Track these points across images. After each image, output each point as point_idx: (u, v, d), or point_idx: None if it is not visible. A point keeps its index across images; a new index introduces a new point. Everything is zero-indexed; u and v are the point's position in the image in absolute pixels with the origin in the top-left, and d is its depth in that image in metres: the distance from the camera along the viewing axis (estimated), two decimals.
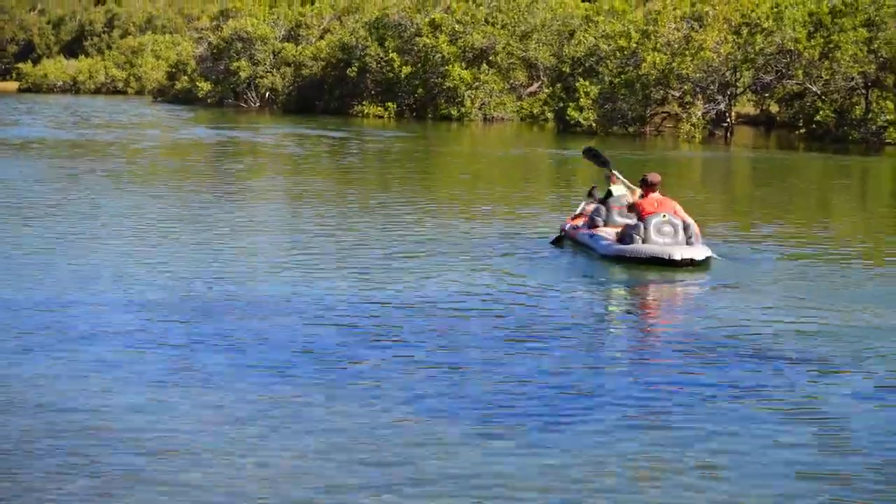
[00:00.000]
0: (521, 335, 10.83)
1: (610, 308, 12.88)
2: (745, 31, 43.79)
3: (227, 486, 7.02)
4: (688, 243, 14.73)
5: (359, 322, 11.25)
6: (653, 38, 45.59)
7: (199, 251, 15.52)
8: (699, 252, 14.54)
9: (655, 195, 15.31)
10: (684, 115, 45.08)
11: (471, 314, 11.69)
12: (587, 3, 59.51)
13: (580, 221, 16.41)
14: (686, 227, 14.86)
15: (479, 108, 57.05)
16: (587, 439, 7.86)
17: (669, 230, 14.79)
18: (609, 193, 16.32)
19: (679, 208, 15.30)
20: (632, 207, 15.48)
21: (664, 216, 14.88)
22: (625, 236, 14.99)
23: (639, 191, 15.82)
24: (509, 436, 7.91)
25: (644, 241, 14.74)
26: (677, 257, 14.39)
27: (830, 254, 15.91)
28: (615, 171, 16.76)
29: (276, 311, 11.71)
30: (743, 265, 14.75)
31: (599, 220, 15.98)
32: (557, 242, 16.22)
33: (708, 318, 11.71)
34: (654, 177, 15.58)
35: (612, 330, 11.60)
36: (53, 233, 16.97)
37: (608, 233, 15.52)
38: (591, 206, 16.56)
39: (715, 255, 14.78)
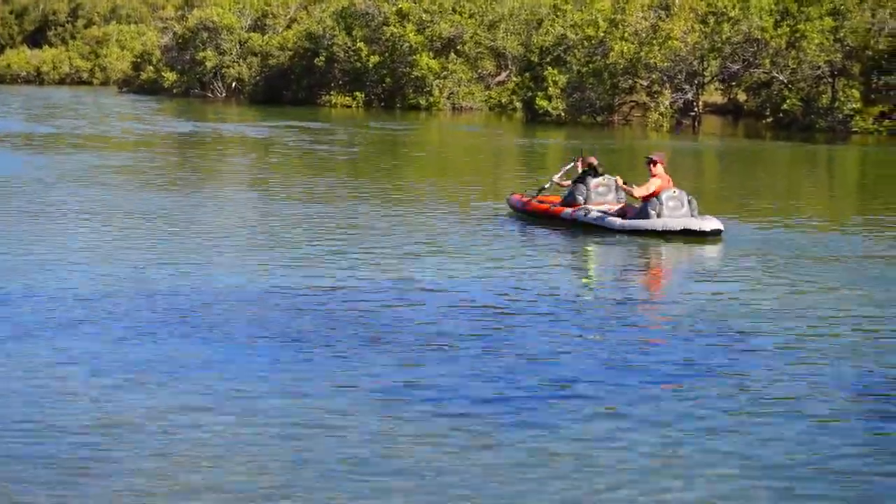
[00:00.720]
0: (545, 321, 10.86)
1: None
2: (711, 20, 43.97)
3: (210, 481, 7.02)
4: (691, 216, 16.10)
5: (350, 314, 11.24)
6: (620, 27, 45.70)
7: (172, 243, 15.48)
8: (719, 223, 15.97)
9: (661, 172, 16.46)
10: (652, 105, 45.21)
11: (475, 300, 11.71)
12: None
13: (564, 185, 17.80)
14: (690, 201, 16.21)
15: (448, 98, 57.03)
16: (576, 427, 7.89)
17: (677, 204, 16.09)
18: (585, 173, 17.48)
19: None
20: (647, 187, 16.45)
21: (674, 191, 16.18)
22: (638, 212, 16.26)
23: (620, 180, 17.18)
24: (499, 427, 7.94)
25: (659, 216, 16.01)
26: (707, 228, 15.79)
27: (798, 237, 16.05)
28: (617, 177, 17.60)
29: (247, 303, 11.70)
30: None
31: (580, 198, 17.22)
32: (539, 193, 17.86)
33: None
34: (658, 155, 16.96)
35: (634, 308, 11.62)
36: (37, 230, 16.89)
37: (609, 211, 16.75)
38: (564, 182, 17.84)
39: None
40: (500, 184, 24.65)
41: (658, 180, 16.40)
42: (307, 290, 12.27)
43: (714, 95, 51.69)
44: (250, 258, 14.44)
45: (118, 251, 14.81)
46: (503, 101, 55.61)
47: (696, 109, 45.71)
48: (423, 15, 57.68)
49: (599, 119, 46.18)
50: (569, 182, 17.83)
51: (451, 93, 57.13)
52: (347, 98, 60.14)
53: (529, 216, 17.84)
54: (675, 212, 16.07)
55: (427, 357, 9.70)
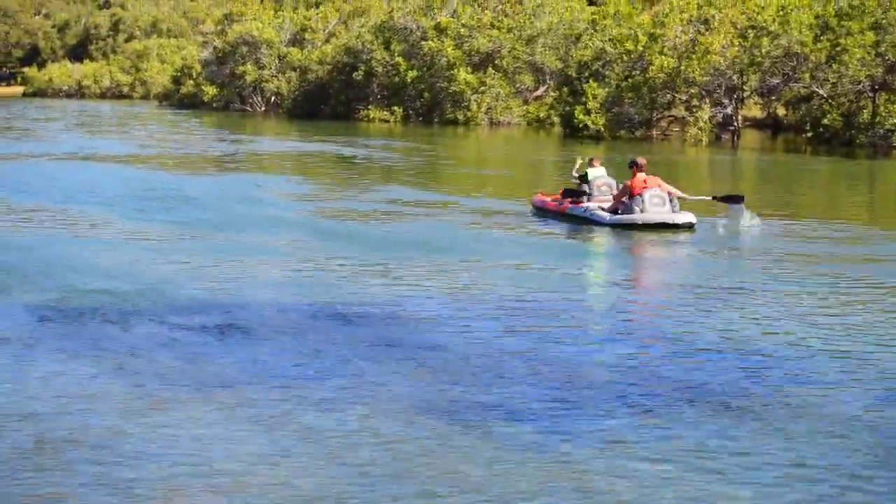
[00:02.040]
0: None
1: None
2: (751, 34, 43.77)
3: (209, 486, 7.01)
4: (673, 211, 18.52)
5: (374, 323, 11.24)
6: (659, 41, 45.58)
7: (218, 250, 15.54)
8: (692, 217, 18.37)
9: (643, 174, 18.74)
10: (691, 119, 45.04)
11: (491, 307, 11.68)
12: (593, 7, 59.43)
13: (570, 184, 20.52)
14: (671, 199, 18.61)
15: (486, 113, 57.03)
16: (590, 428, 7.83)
17: (659, 201, 18.55)
18: (586, 174, 20.07)
19: (662, 182, 18.89)
20: (624, 187, 18.91)
21: (655, 190, 18.58)
22: (625, 209, 18.59)
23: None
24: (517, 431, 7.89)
25: (642, 212, 18.42)
26: (680, 221, 18.28)
27: (833, 248, 15.92)
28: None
29: (273, 308, 11.72)
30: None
31: (584, 197, 19.77)
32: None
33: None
34: (641, 159, 19.12)
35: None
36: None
37: (599, 208, 19.13)
38: (573, 176, 20.56)
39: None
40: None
41: (637, 182, 18.61)
42: (366, 303, 12.28)
43: (753, 110, 51.45)
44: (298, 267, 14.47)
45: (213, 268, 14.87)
46: (541, 115, 55.56)
47: (735, 124, 45.48)
48: (462, 30, 57.75)
49: (638, 134, 46.05)
50: (575, 177, 20.46)
51: (489, 107, 57.13)
52: (385, 112, 60.27)
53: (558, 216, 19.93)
54: (658, 208, 18.44)
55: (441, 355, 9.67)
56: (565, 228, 19.04)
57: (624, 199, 18.82)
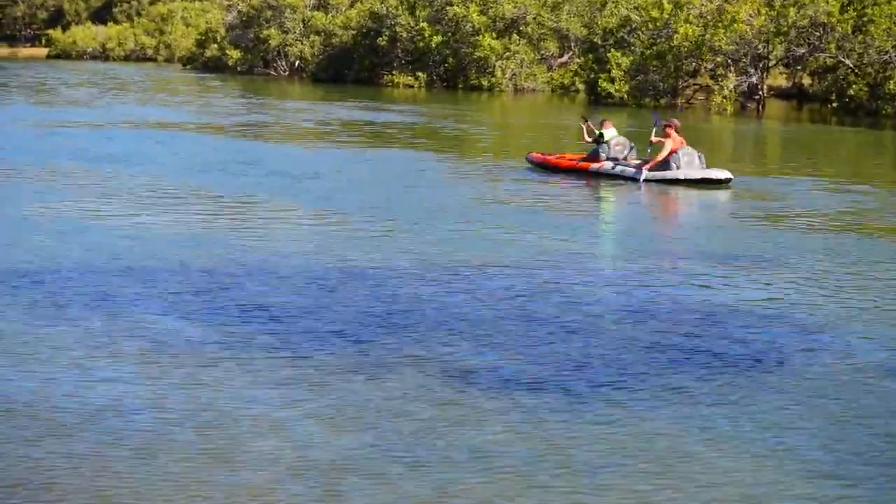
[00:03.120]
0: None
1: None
2: (777, 3, 43.64)
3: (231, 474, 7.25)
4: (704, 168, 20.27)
5: (389, 295, 11.47)
6: (685, 9, 45.47)
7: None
8: (729, 174, 20.18)
9: (677, 135, 20.43)
10: (716, 88, 44.99)
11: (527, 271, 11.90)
12: None
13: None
14: (700, 157, 20.36)
15: (510, 79, 56.99)
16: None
17: (691, 160, 20.22)
18: (601, 135, 21.25)
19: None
20: (661, 145, 20.52)
21: (688, 149, 20.35)
22: (663, 165, 20.16)
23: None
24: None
25: (678, 168, 20.07)
26: (721, 177, 19.98)
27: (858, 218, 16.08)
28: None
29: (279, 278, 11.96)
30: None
31: (603, 155, 21.10)
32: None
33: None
34: (676, 121, 21.08)
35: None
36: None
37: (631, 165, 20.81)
38: (587, 138, 21.73)
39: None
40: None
41: (671, 142, 20.33)
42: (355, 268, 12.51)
43: (778, 79, 51.32)
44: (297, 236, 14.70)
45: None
46: (566, 82, 55.50)
47: (760, 93, 45.43)
48: None
49: (663, 102, 46.02)
50: (588, 139, 21.63)
51: (514, 74, 57.08)
52: (410, 78, 60.26)
53: (553, 171, 21.52)
54: (690, 166, 20.16)
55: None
56: (606, 186, 20.29)
57: (662, 156, 20.35)
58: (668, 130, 20.50)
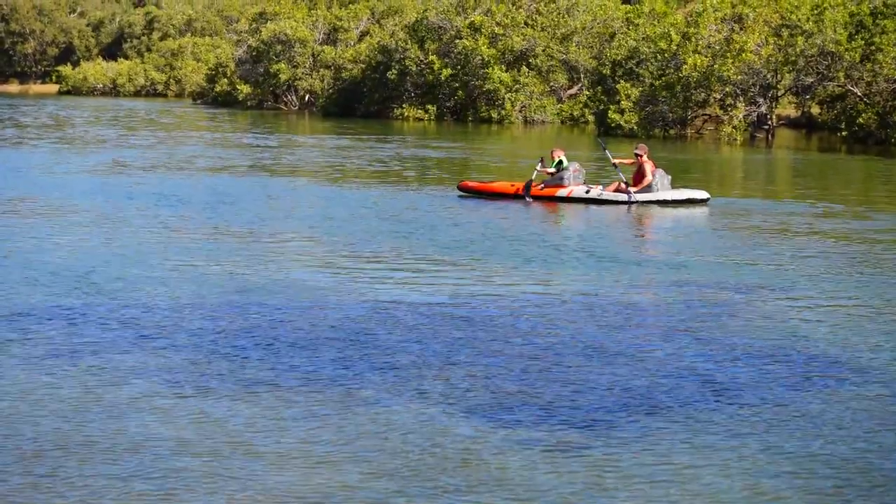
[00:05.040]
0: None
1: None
2: (785, 32, 43.84)
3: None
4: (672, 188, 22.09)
5: (410, 320, 11.55)
6: (693, 40, 45.68)
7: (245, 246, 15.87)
8: (707, 194, 22.08)
9: (646, 160, 21.93)
10: (725, 118, 45.15)
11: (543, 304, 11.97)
12: (627, 6, 59.57)
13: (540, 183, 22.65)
14: (668, 178, 21.98)
15: (520, 111, 57.25)
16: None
17: (667, 182, 21.92)
18: (561, 162, 22.39)
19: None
20: (641, 170, 21.93)
21: (661, 171, 21.98)
22: (647, 187, 21.65)
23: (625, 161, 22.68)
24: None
25: (658, 190, 21.66)
26: (702, 197, 21.84)
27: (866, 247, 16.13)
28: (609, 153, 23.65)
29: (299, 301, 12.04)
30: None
31: (567, 181, 22.18)
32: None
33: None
34: (645, 146, 22.67)
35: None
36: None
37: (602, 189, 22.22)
38: (549, 170, 22.58)
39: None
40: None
41: (649, 164, 21.90)
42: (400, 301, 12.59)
43: (787, 109, 51.47)
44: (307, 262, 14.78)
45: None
46: (575, 114, 55.75)
47: (769, 122, 45.56)
48: (496, 28, 57.97)
49: (672, 132, 46.19)
50: (551, 170, 22.47)
51: (523, 106, 57.34)
52: (420, 111, 60.53)
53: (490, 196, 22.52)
54: (666, 187, 21.80)
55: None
56: (595, 211, 21.27)
57: (648, 179, 21.79)
58: (640, 155, 22.03)
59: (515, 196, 22.37)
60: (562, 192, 22.16)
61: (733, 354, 10.22)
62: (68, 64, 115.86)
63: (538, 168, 22.70)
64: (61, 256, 15.11)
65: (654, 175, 21.83)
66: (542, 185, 22.49)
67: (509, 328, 11.17)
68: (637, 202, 21.63)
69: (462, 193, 23.15)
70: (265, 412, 8.51)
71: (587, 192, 22.06)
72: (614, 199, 21.79)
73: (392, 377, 9.41)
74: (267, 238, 17.36)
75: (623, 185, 21.89)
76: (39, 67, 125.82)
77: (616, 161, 22.57)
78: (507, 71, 57.24)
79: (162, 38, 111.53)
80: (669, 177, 22.19)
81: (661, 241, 18.53)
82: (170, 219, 19.41)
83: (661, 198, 21.68)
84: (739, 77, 44.13)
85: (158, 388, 9.08)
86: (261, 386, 9.15)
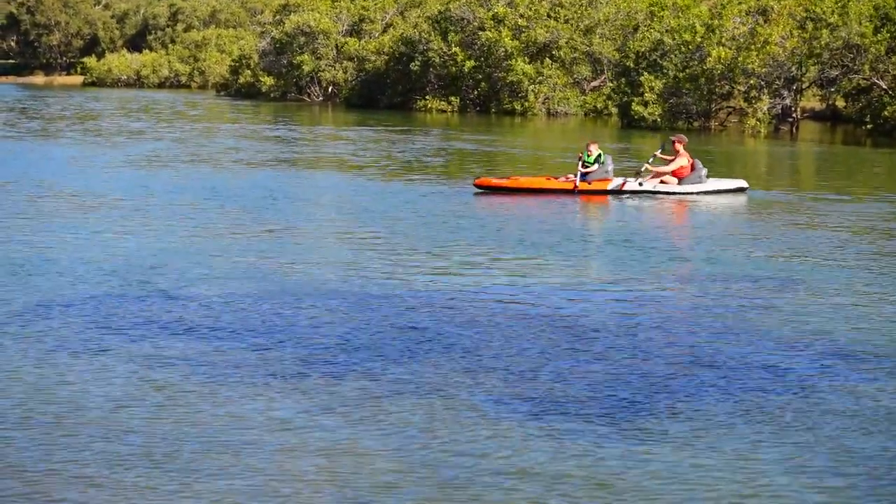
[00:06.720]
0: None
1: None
2: (810, 25, 43.67)
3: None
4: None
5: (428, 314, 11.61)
6: (717, 32, 45.52)
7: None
8: (745, 183, 22.85)
9: (682, 150, 22.29)
10: (749, 110, 44.99)
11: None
12: None
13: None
14: (706, 172, 22.58)
15: (543, 103, 57.17)
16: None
17: (706, 171, 22.53)
18: (600, 155, 22.45)
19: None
20: (681, 160, 22.24)
21: (699, 162, 22.53)
22: (694, 178, 22.17)
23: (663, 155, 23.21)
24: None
25: (702, 181, 22.25)
26: (745, 186, 22.53)
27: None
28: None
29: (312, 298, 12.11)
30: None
31: (611, 174, 22.34)
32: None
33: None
34: (684, 137, 23.04)
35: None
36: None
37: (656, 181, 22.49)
38: (667, 157, 22.96)
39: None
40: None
41: (686, 157, 22.28)
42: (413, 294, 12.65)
43: (812, 101, 51.27)
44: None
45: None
46: (598, 106, 55.65)
47: (794, 115, 45.40)
48: (519, 20, 57.88)
49: (696, 125, 46.06)
50: (669, 157, 22.82)
51: (546, 98, 57.27)
52: (443, 103, 60.50)
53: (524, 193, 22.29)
54: (704, 178, 22.32)
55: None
56: (643, 202, 21.49)
57: (687, 170, 22.26)
58: (678, 146, 22.42)
59: (572, 191, 22.19)
60: (613, 185, 22.28)
61: (797, 348, 10.25)
62: (93, 55, 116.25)
63: (657, 154, 23.31)
64: (107, 249, 15.30)
65: (694, 168, 22.39)
66: (578, 180, 22.24)
67: (567, 323, 11.22)
68: (630, 192, 22.08)
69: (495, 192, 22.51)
70: (309, 405, 8.58)
71: (640, 184, 22.28)
72: (670, 190, 22.16)
73: (448, 368, 9.49)
74: (334, 235, 17.44)
75: (659, 170, 22.43)
76: (64, 59, 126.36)
77: (659, 154, 23.26)
78: (530, 63, 57.16)
79: (186, 30, 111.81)
80: (706, 170, 22.67)
81: (722, 235, 18.01)
82: (212, 214, 19.50)
83: (711, 188, 22.28)
84: (764, 69, 43.97)
85: (211, 379, 9.17)
86: (308, 380, 9.24)
